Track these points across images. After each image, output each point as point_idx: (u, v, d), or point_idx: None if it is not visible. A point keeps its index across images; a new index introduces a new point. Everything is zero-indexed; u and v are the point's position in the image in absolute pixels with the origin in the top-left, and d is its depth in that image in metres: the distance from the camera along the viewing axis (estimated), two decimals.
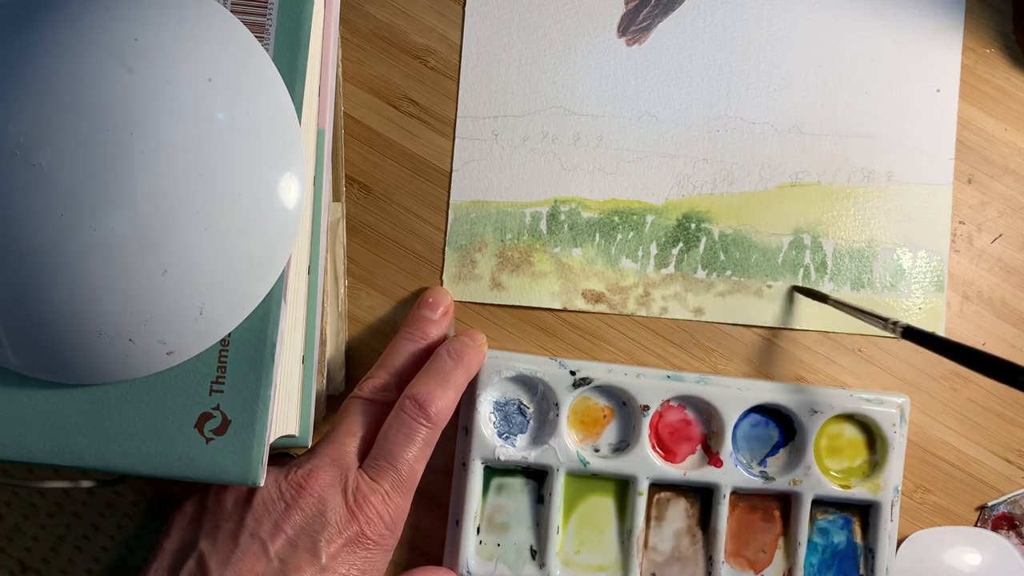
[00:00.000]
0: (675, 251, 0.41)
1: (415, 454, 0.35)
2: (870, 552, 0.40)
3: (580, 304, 0.41)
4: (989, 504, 0.42)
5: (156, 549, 0.34)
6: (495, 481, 0.40)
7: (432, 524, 0.41)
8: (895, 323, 0.35)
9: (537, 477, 0.40)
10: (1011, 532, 0.41)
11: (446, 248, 0.41)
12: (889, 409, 0.40)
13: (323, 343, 0.39)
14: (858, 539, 0.41)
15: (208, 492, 0.35)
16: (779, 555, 0.40)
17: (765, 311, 0.41)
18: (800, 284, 0.41)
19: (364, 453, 0.35)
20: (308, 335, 0.37)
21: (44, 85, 0.30)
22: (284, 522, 0.33)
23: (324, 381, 0.39)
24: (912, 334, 0.34)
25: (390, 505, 0.34)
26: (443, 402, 0.36)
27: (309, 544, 0.33)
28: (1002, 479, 0.42)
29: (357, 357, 0.41)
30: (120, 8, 0.32)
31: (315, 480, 0.34)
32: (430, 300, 0.40)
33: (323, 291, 0.38)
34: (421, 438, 0.35)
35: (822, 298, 0.40)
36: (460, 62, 0.42)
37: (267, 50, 0.33)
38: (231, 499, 0.34)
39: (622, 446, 0.40)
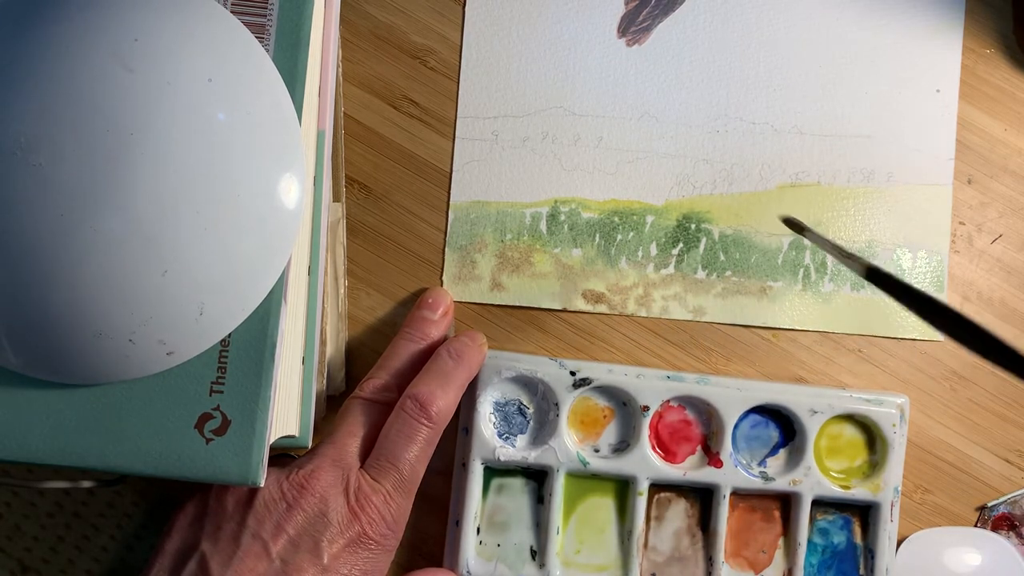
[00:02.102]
0: (675, 251, 0.41)
1: (416, 454, 0.35)
2: (870, 552, 0.40)
3: (580, 304, 0.41)
4: (989, 504, 0.42)
5: (157, 550, 0.34)
6: (495, 481, 0.40)
7: (432, 524, 0.41)
8: (859, 260, 0.32)
9: (537, 477, 0.40)
10: (1011, 532, 0.41)
11: (446, 248, 0.41)
12: (889, 409, 0.40)
13: (323, 343, 0.39)
14: (858, 539, 0.41)
15: (209, 493, 0.35)
16: (779, 555, 0.40)
17: (765, 311, 0.41)
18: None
19: (365, 453, 0.35)
20: (308, 335, 0.37)
21: (44, 85, 0.30)
22: (286, 523, 0.33)
23: (324, 381, 0.39)
24: (875, 276, 0.31)
25: (392, 505, 0.34)
26: (444, 402, 0.36)
27: (311, 544, 0.33)
28: (1002, 479, 0.42)
29: (357, 357, 0.41)
30: (120, 8, 0.32)
31: (316, 480, 0.34)
32: (430, 301, 0.40)
33: (323, 291, 0.38)
34: (422, 438, 0.35)
35: (800, 228, 0.37)
36: (460, 62, 0.42)
37: (267, 50, 0.33)
38: (232, 500, 0.34)
39: (622, 446, 0.40)
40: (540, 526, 0.40)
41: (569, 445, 0.39)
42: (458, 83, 0.41)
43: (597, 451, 0.40)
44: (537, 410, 0.40)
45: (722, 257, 0.41)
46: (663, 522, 0.40)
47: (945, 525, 0.41)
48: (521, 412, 0.40)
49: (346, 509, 0.33)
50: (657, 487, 0.40)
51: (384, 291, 0.41)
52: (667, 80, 0.42)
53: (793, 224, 0.38)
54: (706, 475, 0.40)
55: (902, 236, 0.42)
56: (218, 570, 0.32)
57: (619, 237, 0.41)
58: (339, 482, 0.34)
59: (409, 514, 0.35)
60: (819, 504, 0.40)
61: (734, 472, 0.40)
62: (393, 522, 0.34)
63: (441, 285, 0.41)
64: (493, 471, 0.40)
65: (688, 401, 0.40)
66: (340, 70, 0.41)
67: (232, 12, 0.33)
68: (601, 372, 0.40)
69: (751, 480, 0.40)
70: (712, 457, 0.40)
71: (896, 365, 0.42)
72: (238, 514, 0.33)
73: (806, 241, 0.41)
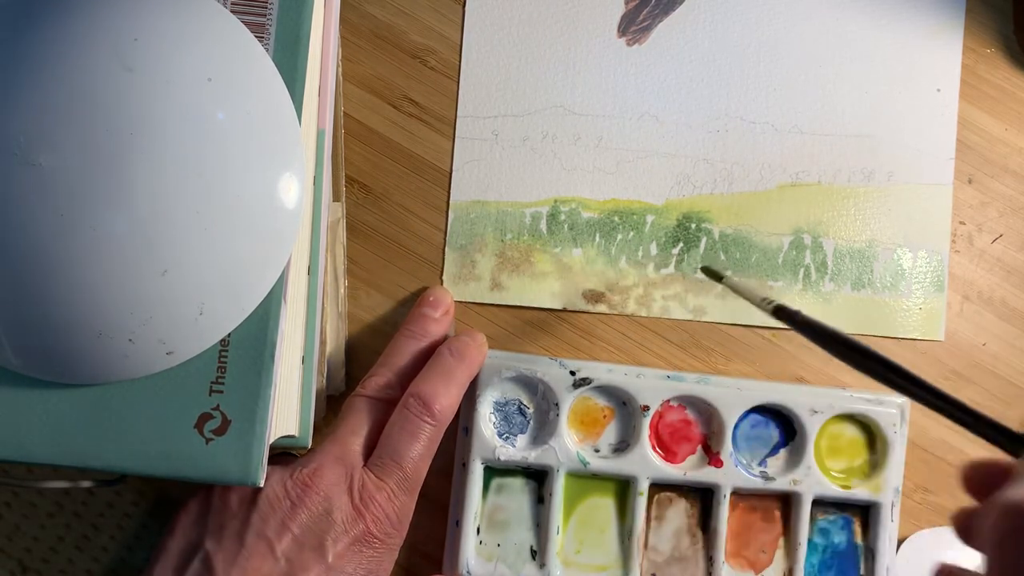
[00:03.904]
0: (675, 251, 0.41)
1: (420, 452, 0.35)
2: (870, 552, 0.40)
3: (580, 304, 0.41)
4: None
5: (160, 549, 0.34)
6: (495, 481, 0.40)
7: (432, 524, 0.41)
8: (769, 302, 0.33)
9: (537, 477, 0.40)
10: None
11: (446, 248, 0.41)
12: (889, 409, 0.40)
13: (323, 343, 0.39)
14: (858, 539, 0.41)
15: (213, 491, 0.35)
16: (779, 555, 0.40)
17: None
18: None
19: (368, 451, 0.35)
20: (308, 335, 0.37)
21: (44, 85, 0.30)
22: (290, 521, 0.33)
23: (324, 381, 0.39)
24: (781, 314, 0.32)
25: (396, 503, 0.34)
26: (447, 400, 0.36)
27: (315, 543, 0.33)
28: None
29: (357, 357, 0.41)
30: (120, 8, 0.32)
31: (320, 479, 0.34)
32: (431, 299, 0.40)
33: (323, 291, 0.38)
34: (426, 436, 0.35)
35: (719, 277, 0.39)
36: (460, 62, 0.42)
37: (267, 50, 0.33)
38: (236, 498, 0.34)
39: (622, 446, 0.40)
40: (540, 526, 0.40)
41: (569, 445, 0.39)
42: (458, 83, 0.41)
43: (597, 451, 0.40)
44: (537, 410, 0.40)
45: (722, 257, 0.41)
46: (663, 522, 0.40)
47: (945, 525, 0.41)
48: (521, 412, 0.40)
49: (350, 507, 0.33)
50: (657, 487, 0.40)
51: (384, 291, 0.41)
52: (667, 80, 0.42)
53: (711, 272, 0.40)
54: (706, 475, 0.40)
55: (902, 236, 0.42)
56: (223, 569, 0.32)
57: (619, 237, 0.41)
58: (343, 480, 0.34)
59: (413, 512, 0.35)
60: (819, 504, 0.40)
61: (734, 472, 0.40)
62: (397, 520, 0.34)
63: (441, 284, 0.41)
64: (493, 471, 0.40)
65: (688, 401, 0.40)
66: (340, 70, 0.41)
67: (232, 12, 0.33)
68: (601, 372, 0.40)
69: (751, 480, 0.40)
70: (712, 457, 0.40)
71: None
72: (242, 512, 0.33)
73: (806, 240, 0.42)
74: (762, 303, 0.34)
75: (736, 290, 0.37)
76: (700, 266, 0.41)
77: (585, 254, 0.41)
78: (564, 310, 0.41)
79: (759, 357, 0.42)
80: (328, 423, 0.41)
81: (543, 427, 0.40)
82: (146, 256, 0.30)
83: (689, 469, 0.40)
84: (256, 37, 0.33)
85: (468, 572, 0.39)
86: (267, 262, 0.33)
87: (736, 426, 0.40)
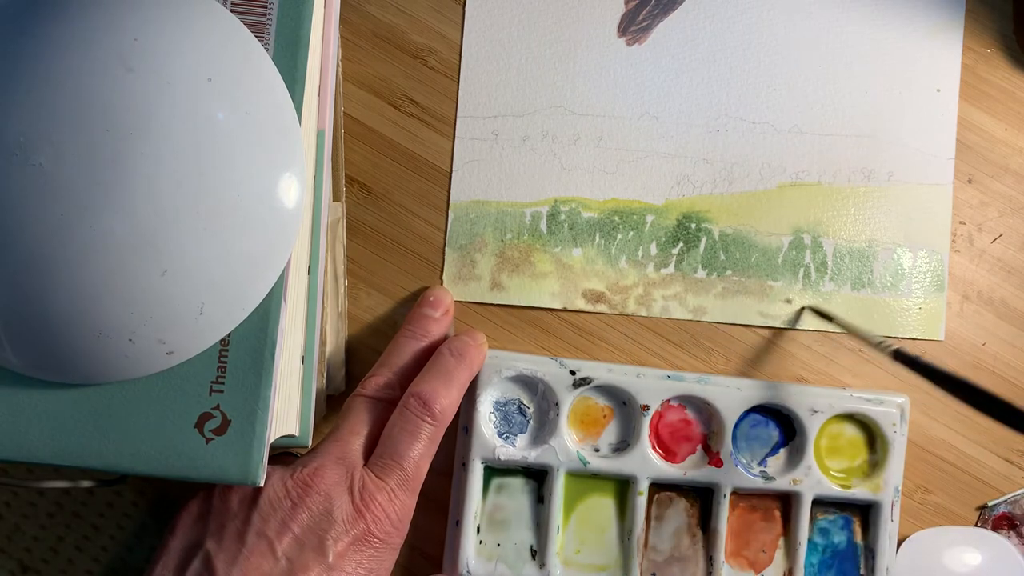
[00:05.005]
0: (675, 251, 0.41)
1: (420, 452, 0.35)
2: (870, 552, 0.40)
3: (580, 304, 0.41)
4: (989, 504, 0.42)
5: (161, 548, 0.34)
6: (495, 481, 0.40)
7: (432, 524, 0.41)
8: (887, 345, 0.36)
9: (537, 477, 0.40)
10: (1011, 532, 0.41)
11: (446, 248, 0.41)
12: (889, 409, 0.40)
13: (323, 343, 0.39)
14: (858, 539, 0.41)
15: (213, 491, 0.35)
16: (779, 555, 0.40)
17: (765, 311, 0.41)
18: (812, 299, 0.41)
19: (369, 451, 0.35)
20: (308, 335, 0.37)
21: (44, 85, 0.30)
22: (291, 521, 0.33)
23: (324, 381, 0.39)
24: (900, 357, 0.35)
25: (396, 503, 0.34)
26: (447, 400, 0.36)
27: (316, 543, 0.33)
28: (1002, 479, 0.42)
29: (357, 357, 0.41)
30: (120, 8, 0.31)
31: (321, 478, 0.34)
32: (431, 299, 0.40)
33: (323, 291, 0.38)
34: (426, 436, 0.35)
35: (829, 318, 0.40)
36: (460, 62, 0.42)
37: (267, 50, 0.33)
38: (237, 498, 0.34)
39: (622, 446, 0.40)
40: (540, 526, 0.40)
41: (569, 444, 0.39)
42: (458, 83, 0.41)
43: (597, 450, 0.40)
44: (537, 409, 0.40)
45: (722, 256, 0.41)
46: (663, 522, 0.40)
47: (945, 525, 0.41)
48: (521, 411, 0.40)
49: (351, 507, 0.33)
50: (657, 487, 0.40)
51: (384, 290, 0.41)
52: (667, 80, 0.42)
53: (820, 313, 0.41)
54: (706, 475, 0.40)
55: (903, 235, 0.42)
56: (223, 568, 0.32)
57: (619, 237, 0.41)
58: (343, 480, 0.34)
59: (413, 512, 0.35)
60: (819, 504, 0.40)
61: (734, 472, 0.40)
62: (398, 520, 0.34)
63: (441, 284, 0.41)
64: (493, 471, 0.40)
65: (688, 400, 0.40)
66: (340, 70, 0.41)
67: (232, 12, 0.33)
68: (601, 371, 0.40)
69: (751, 479, 0.40)
70: (712, 456, 0.40)
71: (896, 365, 0.42)
72: (243, 512, 0.33)
73: (806, 240, 0.42)
74: (880, 345, 0.36)
75: (850, 330, 0.39)
76: (806, 306, 0.41)
77: (585, 254, 0.41)
78: (564, 310, 0.41)
79: (759, 357, 0.42)
80: (328, 423, 0.41)
81: (543, 427, 0.40)
82: (146, 256, 0.30)
83: (689, 469, 0.40)
84: (256, 37, 0.33)
85: (468, 572, 0.39)
86: (267, 262, 0.33)
87: (736, 426, 0.40)
